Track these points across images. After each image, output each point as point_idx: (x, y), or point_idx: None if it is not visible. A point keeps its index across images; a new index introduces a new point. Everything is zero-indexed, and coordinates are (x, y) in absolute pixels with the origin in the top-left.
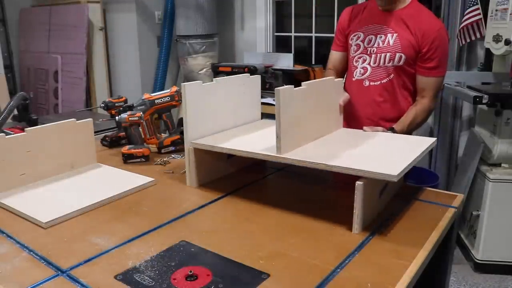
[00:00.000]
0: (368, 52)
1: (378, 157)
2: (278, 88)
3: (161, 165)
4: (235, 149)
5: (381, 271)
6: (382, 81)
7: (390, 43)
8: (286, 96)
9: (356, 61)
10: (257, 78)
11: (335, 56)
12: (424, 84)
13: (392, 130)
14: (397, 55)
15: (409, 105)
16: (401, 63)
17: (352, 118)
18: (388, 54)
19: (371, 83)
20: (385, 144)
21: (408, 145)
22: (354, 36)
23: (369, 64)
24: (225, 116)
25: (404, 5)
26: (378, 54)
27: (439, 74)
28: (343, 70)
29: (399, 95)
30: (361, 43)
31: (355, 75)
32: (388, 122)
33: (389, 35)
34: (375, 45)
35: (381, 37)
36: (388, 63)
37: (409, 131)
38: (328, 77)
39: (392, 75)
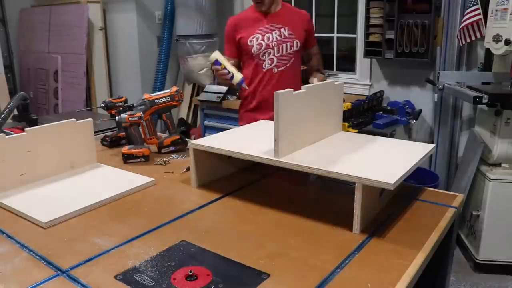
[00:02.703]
0: (271, 46)
1: (376, 163)
2: (277, 92)
3: (161, 165)
4: (234, 151)
5: (381, 271)
6: (286, 65)
7: (286, 35)
8: (285, 100)
9: (263, 56)
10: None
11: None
12: (312, 53)
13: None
14: (294, 42)
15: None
16: (298, 47)
17: (268, 104)
18: (288, 44)
19: (279, 69)
20: (383, 149)
21: (407, 151)
22: (252, 38)
23: (274, 55)
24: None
25: (279, 7)
26: (279, 46)
27: (315, 42)
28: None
29: (298, 70)
30: (262, 42)
31: (265, 66)
32: None
33: (282, 29)
34: (274, 39)
35: (276, 32)
36: (290, 50)
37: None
38: (328, 81)
39: (293, 58)
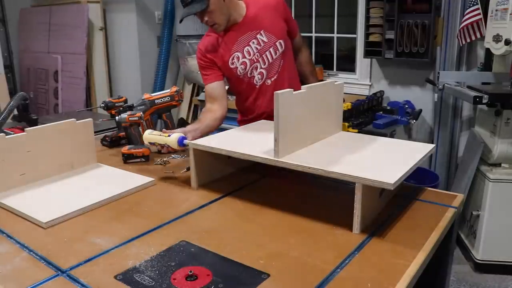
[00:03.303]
0: (255, 60)
1: (376, 163)
2: (277, 92)
3: (161, 165)
4: (234, 151)
5: (381, 271)
6: (278, 71)
7: (265, 40)
8: (285, 100)
9: (251, 73)
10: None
11: (215, 86)
12: (298, 42)
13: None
14: (277, 43)
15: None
16: (283, 47)
17: (268, 115)
18: (270, 49)
19: (272, 79)
20: (383, 149)
21: (407, 151)
22: (233, 59)
23: (261, 68)
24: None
25: (243, 12)
26: (263, 55)
27: (297, 27)
28: (223, 96)
29: (292, 69)
30: (245, 60)
31: (257, 83)
32: None
33: (258, 36)
34: (255, 51)
35: (253, 42)
36: (275, 55)
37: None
38: (328, 81)
39: (282, 60)
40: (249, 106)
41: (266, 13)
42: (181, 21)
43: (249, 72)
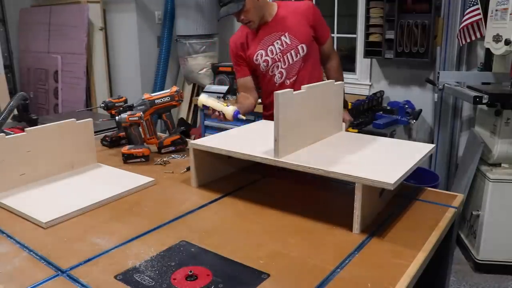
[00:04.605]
0: (277, 59)
1: (376, 163)
2: (277, 92)
3: (161, 165)
4: (234, 151)
5: (381, 271)
6: (298, 74)
7: (288, 42)
8: (285, 100)
9: (272, 71)
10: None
11: (243, 81)
12: (327, 49)
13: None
14: (299, 47)
15: (321, 72)
16: (305, 51)
17: None
18: (292, 52)
19: (291, 80)
20: (384, 149)
21: (407, 151)
22: (257, 56)
23: (282, 68)
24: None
25: (274, 12)
26: (284, 56)
27: (330, 35)
28: (253, 88)
29: (315, 72)
30: (267, 58)
31: (277, 81)
32: None
33: (282, 37)
34: (278, 51)
35: (277, 42)
36: (296, 57)
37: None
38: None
39: (302, 64)
40: (270, 102)
41: (294, 17)
42: (219, 20)
43: (270, 70)
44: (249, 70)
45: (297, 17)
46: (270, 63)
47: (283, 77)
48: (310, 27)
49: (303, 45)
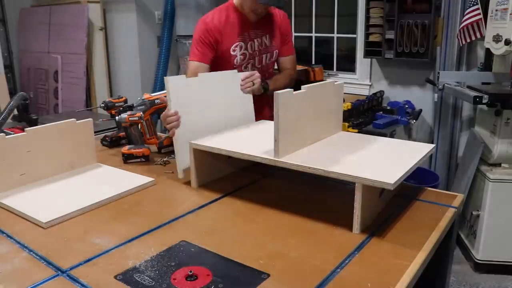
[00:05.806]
0: (253, 57)
1: (376, 163)
2: (277, 92)
3: (161, 165)
4: (234, 151)
5: (381, 271)
6: (265, 76)
7: (267, 44)
8: (285, 100)
9: (246, 67)
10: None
11: (199, 66)
12: (286, 62)
13: (265, 84)
14: (274, 52)
15: None
16: (275, 58)
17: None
18: (268, 54)
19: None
20: (383, 149)
21: (407, 151)
22: (236, 47)
23: (256, 66)
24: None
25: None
26: (261, 56)
27: (294, 53)
28: None
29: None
30: (245, 52)
31: None
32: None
33: (263, 37)
34: (256, 48)
35: (258, 40)
36: (269, 61)
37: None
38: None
39: (270, 69)
40: None
41: (273, 23)
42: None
43: (244, 65)
44: (211, 58)
45: (276, 23)
46: (247, 58)
47: None
48: (281, 35)
49: (277, 51)
